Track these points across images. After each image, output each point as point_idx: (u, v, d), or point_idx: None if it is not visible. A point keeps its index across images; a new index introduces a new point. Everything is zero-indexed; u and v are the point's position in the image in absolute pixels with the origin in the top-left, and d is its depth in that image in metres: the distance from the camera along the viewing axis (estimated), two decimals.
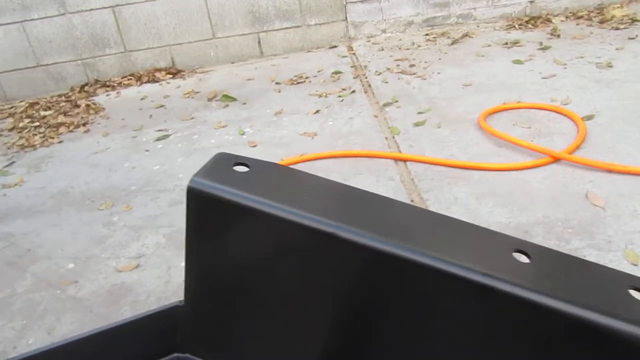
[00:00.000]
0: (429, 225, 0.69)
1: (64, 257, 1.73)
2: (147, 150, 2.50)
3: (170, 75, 3.69)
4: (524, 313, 0.63)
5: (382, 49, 3.52)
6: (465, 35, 3.51)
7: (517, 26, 3.54)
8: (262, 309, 0.78)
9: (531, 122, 2.14)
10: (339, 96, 2.79)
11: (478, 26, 3.70)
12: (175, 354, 0.85)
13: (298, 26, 3.77)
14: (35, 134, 2.97)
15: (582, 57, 2.76)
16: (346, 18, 3.78)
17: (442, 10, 3.77)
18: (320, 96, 2.84)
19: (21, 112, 3.42)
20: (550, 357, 0.66)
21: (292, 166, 1.95)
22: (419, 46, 3.46)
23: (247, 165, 0.73)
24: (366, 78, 3.01)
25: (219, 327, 0.82)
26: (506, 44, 3.20)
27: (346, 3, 3.72)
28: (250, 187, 0.69)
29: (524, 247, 0.68)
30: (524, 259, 0.68)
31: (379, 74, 3.03)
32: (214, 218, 0.72)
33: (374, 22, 3.81)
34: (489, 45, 3.23)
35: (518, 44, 3.16)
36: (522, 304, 0.62)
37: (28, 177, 2.42)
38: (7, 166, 2.61)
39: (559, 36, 3.19)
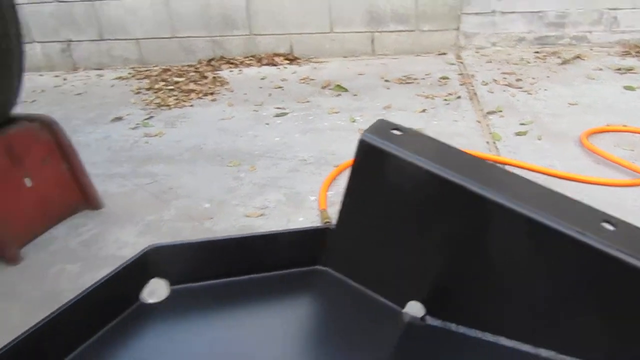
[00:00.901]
0: (546, 196, 0.90)
1: (201, 198, 2.06)
2: (267, 124, 2.81)
3: (288, 61, 4.02)
4: (608, 268, 0.82)
5: (490, 61, 3.65)
6: (577, 56, 3.55)
7: (633, 53, 3.53)
8: (396, 241, 1.01)
9: (634, 145, 2.23)
10: (445, 99, 2.97)
11: (591, 49, 3.72)
12: (317, 266, 1.10)
13: (411, 30, 3.97)
14: (170, 96, 3.39)
15: None
16: (458, 28, 3.93)
17: (556, 30, 3.83)
18: (427, 97, 3.04)
19: (156, 76, 3.88)
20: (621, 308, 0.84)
21: None
22: (528, 62, 3.55)
23: (401, 130, 0.97)
24: (472, 86, 3.17)
25: (359, 251, 1.07)
26: (619, 69, 3.23)
27: (461, 14, 3.88)
28: (406, 145, 0.93)
29: (610, 219, 0.88)
30: (610, 227, 0.87)
31: (485, 84, 3.18)
32: (375, 165, 0.97)
33: (485, 34, 3.94)
34: (601, 69, 3.28)
35: (632, 71, 3.19)
36: (608, 260, 0.81)
37: (166, 131, 2.82)
38: (146, 119, 3.02)
39: None
